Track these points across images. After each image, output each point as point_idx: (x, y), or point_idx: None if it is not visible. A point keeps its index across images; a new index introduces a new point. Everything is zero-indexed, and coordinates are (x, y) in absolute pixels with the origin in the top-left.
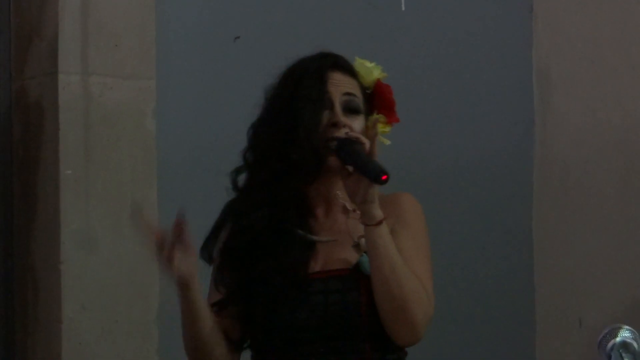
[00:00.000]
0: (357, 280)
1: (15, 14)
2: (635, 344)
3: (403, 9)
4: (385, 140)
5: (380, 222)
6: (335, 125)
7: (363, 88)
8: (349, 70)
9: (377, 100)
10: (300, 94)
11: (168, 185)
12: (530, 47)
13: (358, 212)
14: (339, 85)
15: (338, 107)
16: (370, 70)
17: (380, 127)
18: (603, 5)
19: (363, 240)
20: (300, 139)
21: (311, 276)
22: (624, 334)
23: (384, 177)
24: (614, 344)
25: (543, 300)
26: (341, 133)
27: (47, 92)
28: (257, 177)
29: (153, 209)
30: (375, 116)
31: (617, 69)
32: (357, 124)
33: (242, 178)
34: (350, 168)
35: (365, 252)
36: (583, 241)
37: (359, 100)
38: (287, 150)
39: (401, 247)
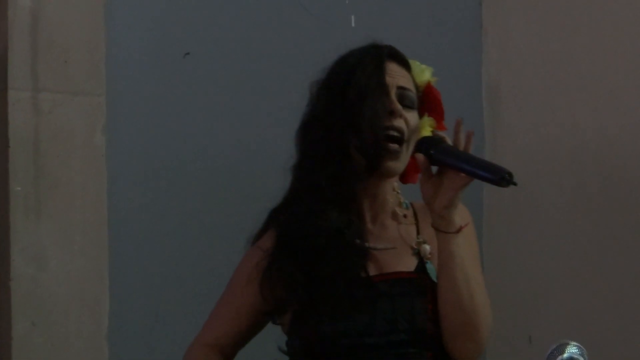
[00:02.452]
0: (424, 285)
1: None
2: None
3: (353, 25)
4: None
5: (459, 230)
6: (392, 113)
7: (416, 85)
8: (404, 62)
9: (426, 103)
10: (357, 83)
11: (118, 201)
12: (480, 63)
13: (407, 217)
14: (395, 77)
15: (394, 97)
16: (423, 70)
17: (428, 132)
18: (552, 21)
19: (425, 247)
20: (361, 129)
21: (375, 279)
22: (572, 350)
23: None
24: None
25: (493, 317)
26: (398, 122)
27: None
28: (312, 180)
29: (103, 225)
30: (427, 118)
31: (567, 85)
32: (412, 118)
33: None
34: (434, 169)
35: (426, 260)
36: (532, 258)
37: (414, 95)
38: (347, 144)
39: None
